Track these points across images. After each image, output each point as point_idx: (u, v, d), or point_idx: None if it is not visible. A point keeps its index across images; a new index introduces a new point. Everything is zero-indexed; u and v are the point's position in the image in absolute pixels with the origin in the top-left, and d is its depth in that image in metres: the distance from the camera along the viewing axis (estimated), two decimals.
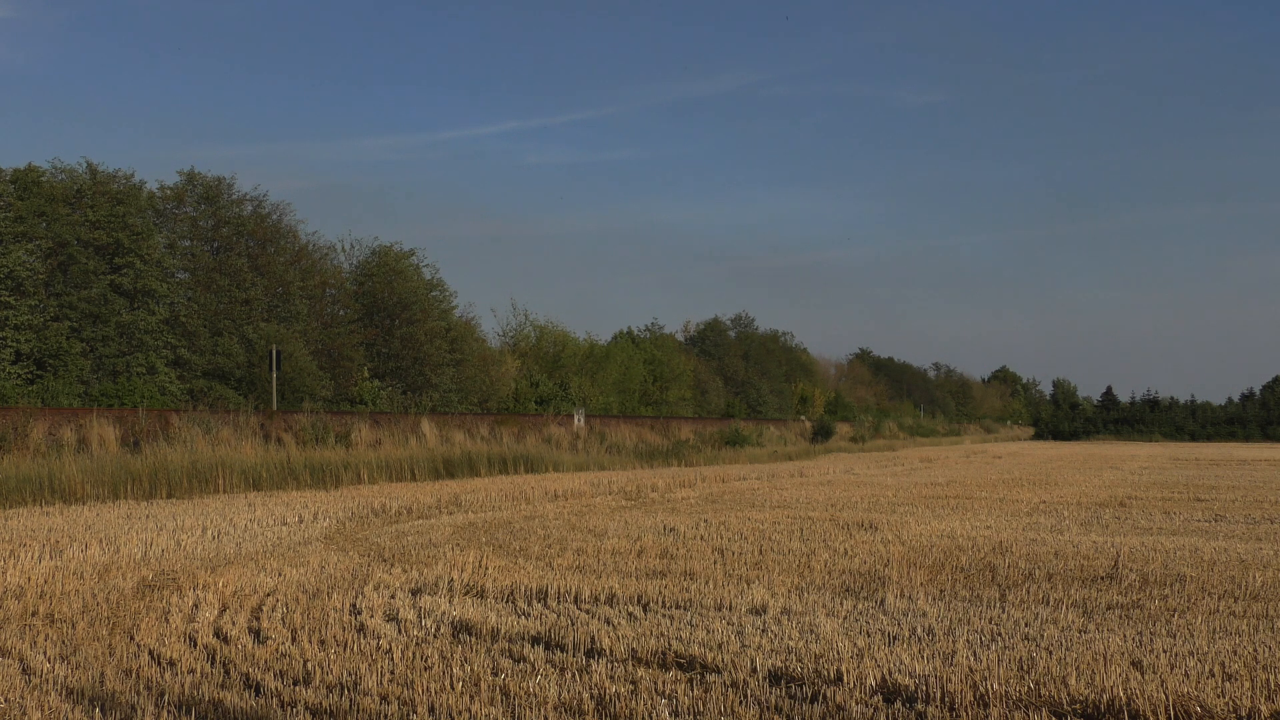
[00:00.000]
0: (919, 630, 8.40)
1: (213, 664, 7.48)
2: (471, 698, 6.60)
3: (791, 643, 7.90)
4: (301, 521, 16.38)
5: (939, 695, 6.55)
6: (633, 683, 6.94)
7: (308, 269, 45.68)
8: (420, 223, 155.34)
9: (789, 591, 10.16)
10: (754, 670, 7.19)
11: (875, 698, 6.64)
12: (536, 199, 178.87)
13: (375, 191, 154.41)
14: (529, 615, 9.01)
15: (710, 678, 7.05)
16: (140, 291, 38.10)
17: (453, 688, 6.79)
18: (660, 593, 9.85)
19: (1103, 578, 11.09)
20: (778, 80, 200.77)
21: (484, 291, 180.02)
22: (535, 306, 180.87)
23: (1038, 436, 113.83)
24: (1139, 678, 6.83)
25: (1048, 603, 9.70)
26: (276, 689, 6.78)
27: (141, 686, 6.87)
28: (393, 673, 7.15)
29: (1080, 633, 8.38)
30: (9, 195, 35.63)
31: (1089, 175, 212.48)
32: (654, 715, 6.32)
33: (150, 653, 7.77)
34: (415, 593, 10.07)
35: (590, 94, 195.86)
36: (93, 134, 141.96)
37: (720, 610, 9.27)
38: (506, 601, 9.73)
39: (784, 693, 6.76)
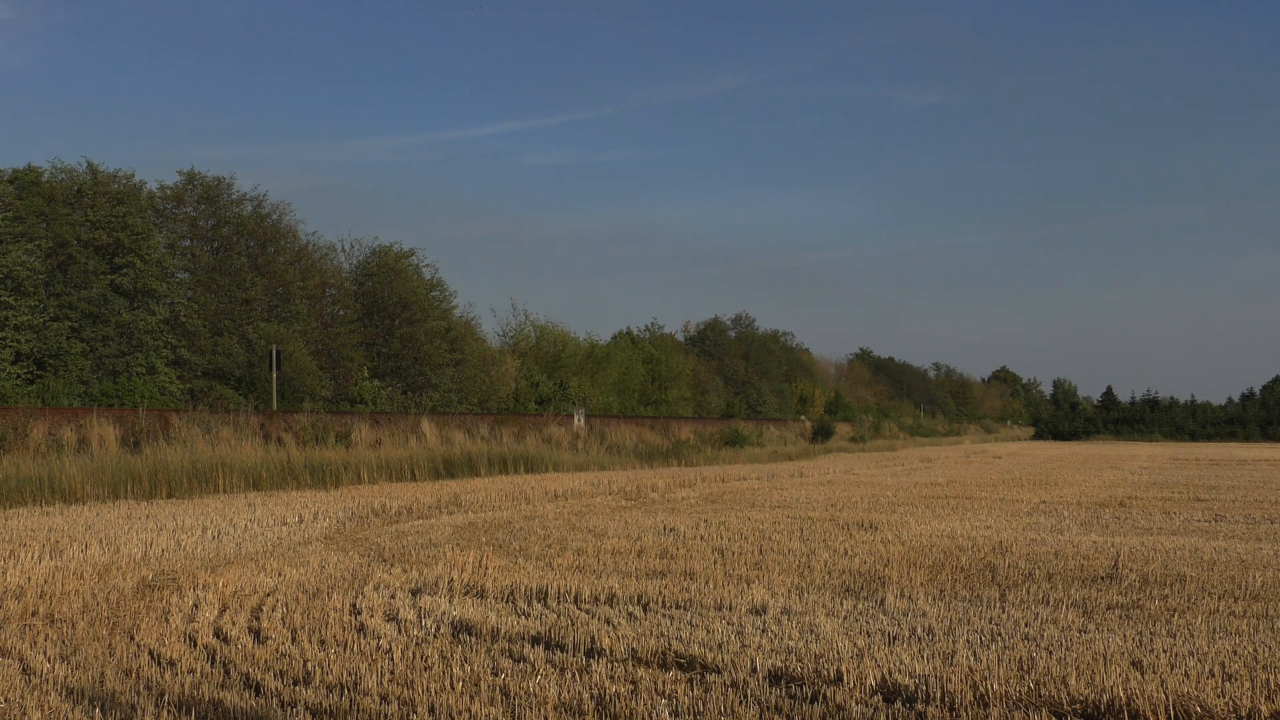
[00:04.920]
0: (919, 630, 8.40)
1: (213, 664, 7.48)
2: (471, 698, 6.60)
3: (791, 643, 7.90)
4: (301, 521, 16.38)
5: (939, 695, 6.55)
6: (633, 683, 6.94)
7: (308, 269, 45.67)
8: (420, 223, 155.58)
9: (789, 591, 10.16)
10: (754, 670, 7.19)
11: (875, 698, 6.64)
12: (536, 199, 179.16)
13: (374, 191, 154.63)
14: (529, 615, 9.01)
15: (710, 678, 7.05)
16: (140, 291, 38.10)
17: (453, 688, 6.79)
18: (660, 593, 9.84)
19: (1103, 578, 11.09)
20: (775, 81, 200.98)
21: (484, 291, 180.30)
22: (535, 306, 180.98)
23: (1038, 436, 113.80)
24: (1139, 678, 6.83)
25: (1048, 603, 9.70)
26: (276, 689, 6.78)
27: (141, 686, 6.86)
28: (393, 673, 7.15)
29: (1080, 633, 8.38)
30: (9, 195, 35.62)
31: (1088, 175, 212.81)
32: (654, 715, 6.32)
33: (150, 653, 7.77)
34: (415, 593, 10.07)
35: (588, 95, 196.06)
36: (93, 134, 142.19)
37: (720, 610, 9.27)
38: (506, 601, 9.73)
39: (784, 693, 6.76)
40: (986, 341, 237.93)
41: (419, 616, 8.89)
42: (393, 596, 9.81)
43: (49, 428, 25.99)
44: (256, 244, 43.29)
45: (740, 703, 6.53)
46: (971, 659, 7.37)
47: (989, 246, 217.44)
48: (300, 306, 43.64)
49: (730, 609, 9.31)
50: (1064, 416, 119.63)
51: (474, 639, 8.19)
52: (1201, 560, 12.44)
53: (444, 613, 8.99)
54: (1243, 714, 6.21)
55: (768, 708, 6.45)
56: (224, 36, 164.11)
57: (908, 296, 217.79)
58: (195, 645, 8.01)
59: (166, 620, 8.82)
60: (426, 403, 45.82)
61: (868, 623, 8.72)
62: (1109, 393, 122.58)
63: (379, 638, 8.17)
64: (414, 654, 7.66)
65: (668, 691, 6.75)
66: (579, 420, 46.69)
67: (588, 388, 59.55)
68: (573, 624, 8.57)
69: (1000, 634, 8.28)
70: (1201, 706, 6.26)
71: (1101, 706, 6.36)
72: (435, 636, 8.27)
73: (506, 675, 7.09)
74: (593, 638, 7.99)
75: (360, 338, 46.44)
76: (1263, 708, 6.25)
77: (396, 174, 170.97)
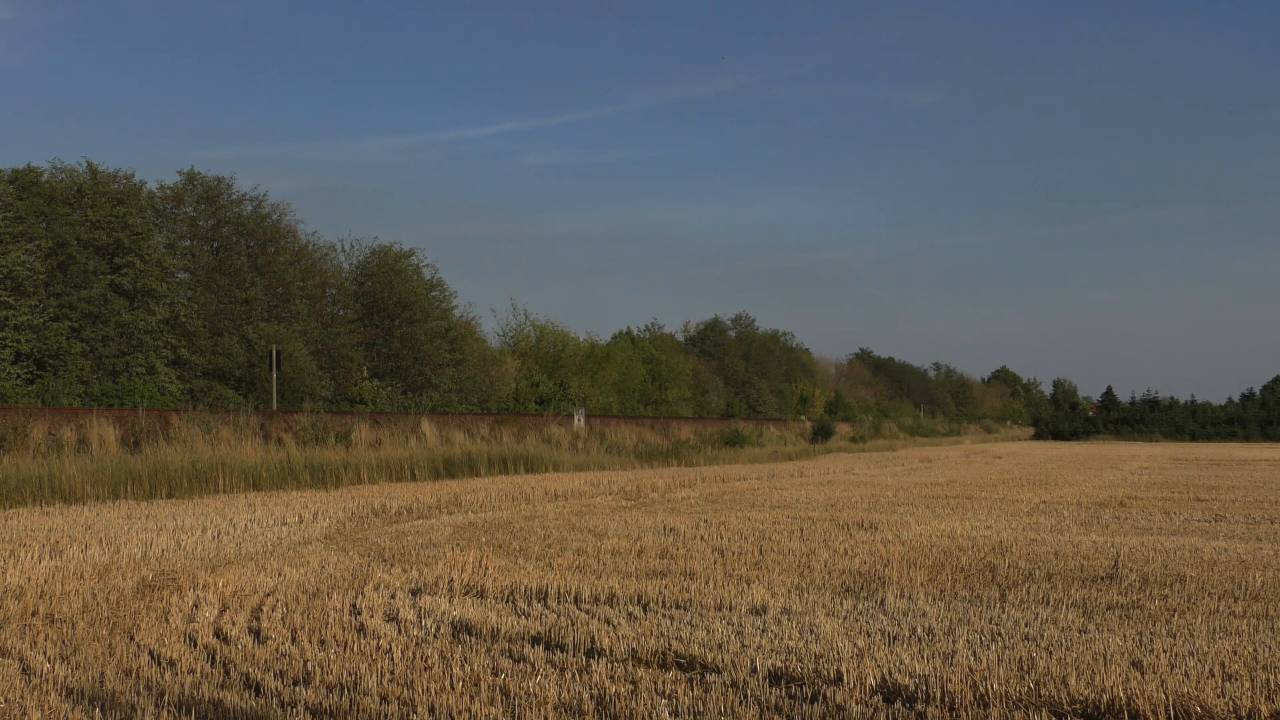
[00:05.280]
0: (919, 630, 8.40)
1: (213, 664, 7.48)
2: (471, 698, 6.60)
3: (791, 643, 7.90)
4: (301, 521, 16.38)
5: (939, 695, 6.55)
6: (633, 683, 6.94)
7: (308, 269, 45.66)
8: (420, 223, 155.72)
9: (789, 591, 10.16)
10: (754, 670, 7.19)
11: (875, 698, 6.64)
12: (536, 199, 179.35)
13: (374, 191, 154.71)
14: (529, 615, 9.01)
15: (710, 678, 7.05)
16: (140, 291, 38.09)
17: (453, 688, 6.79)
18: (660, 593, 9.84)
19: (1103, 578, 11.09)
20: (775, 81, 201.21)
21: (484, 291, 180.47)
22: (535, 306, 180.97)
23: (1038, 436, 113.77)
24: (1139, 678, 6.83)
25: (1048, 603, 9.70)
26: (276, 689, 6.78)
27: (141, 686, 6.87)
28: (393, 673, 7.15)
29: (1080, 633, 8.38)
30: (9, 195, 35.61)
31: (1088, 175, 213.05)
32: (654, 715, 6.32)
33: (150, 653, 7.77)
34: (415, 593, 10.07)
35: (588, 95, 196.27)
36: (93, 134, 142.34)
37: (720, 610, 9.27)
38: (506, 601, 9.73)
39: (784, 693, 6.76)
40: (986, 341, 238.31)
41: (419, 616, 8.89)
42: (393, 596, 9.81)
43: (49, 428, 25.99)
44: (256, 244, 43.28)
45: (740, 703, 6.53)
46: (971, 659, 7.37)
47: (989, 246, 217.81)
48: (300, 306, 43.64)
49: (730, 609, 9.31)
50: (1064, 416, 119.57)
51: (474, 639, 8.19)
52: (1201, 560, 12.44)
53: (444, 613, 8.99)
54: (1243, 714, 6.21)
55: (768, 708, 6.45)
56: (224, 36, 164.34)
57: (908, 296, 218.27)
58: (195, 645, 8.01)
59: (166, 620, 8.82)
60: (426, 403, 45.81)
61: (868, 623, 8.72)
62: (1109, 393, 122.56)
63: (379, 638, 8.17)
64: (414, 654, 7.66)
65: (668, 691, 6.75)
66: (579, 420, 46.68)
67: (588, 388, 59.55)
68: (573, 624, 8.57)
69: (1000, 634, 8.28)
70: (1201, 706, 6.26)
71: (1101, 706, 6.36)
72: (435, 636, 8.27)
73: (506, 675, 7.09)
74: (593, 638, 7.99)
75: (360, 338, 46.44)
76: (1263, 708, 6.25)
77: (397, 174, 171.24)
